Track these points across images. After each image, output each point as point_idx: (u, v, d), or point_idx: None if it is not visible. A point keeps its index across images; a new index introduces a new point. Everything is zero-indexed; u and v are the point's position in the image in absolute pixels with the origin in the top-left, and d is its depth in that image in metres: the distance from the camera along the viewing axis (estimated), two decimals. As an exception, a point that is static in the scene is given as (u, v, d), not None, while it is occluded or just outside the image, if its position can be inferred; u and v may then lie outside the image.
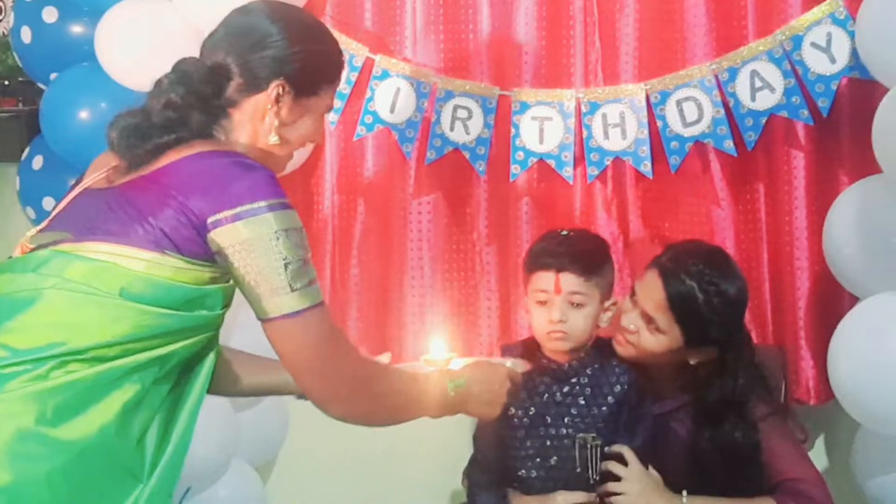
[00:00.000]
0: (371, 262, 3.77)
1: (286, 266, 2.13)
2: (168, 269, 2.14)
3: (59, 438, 2.08)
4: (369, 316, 3.77)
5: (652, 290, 2.96)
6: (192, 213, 2.13)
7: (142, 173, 2.22)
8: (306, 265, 2.17)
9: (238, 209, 2.12)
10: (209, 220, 2.13)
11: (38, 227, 2.30)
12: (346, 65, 3.34)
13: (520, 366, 2.73)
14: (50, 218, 2.31)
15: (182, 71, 2.32)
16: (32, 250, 2.23)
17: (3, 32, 4.22)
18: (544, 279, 3.01)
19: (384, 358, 2.77)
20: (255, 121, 2.34)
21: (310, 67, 2.36)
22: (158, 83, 2.32)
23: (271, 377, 2.61)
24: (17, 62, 3.97)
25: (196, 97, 2.29)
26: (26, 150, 3.87)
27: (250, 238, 2.12)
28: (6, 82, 4.20)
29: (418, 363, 2.66)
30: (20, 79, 4.10)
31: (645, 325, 2.98)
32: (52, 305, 2.13)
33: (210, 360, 2.30)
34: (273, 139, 2.34)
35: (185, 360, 2.24)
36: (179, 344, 2.20)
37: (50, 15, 3.74)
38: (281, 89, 2.32)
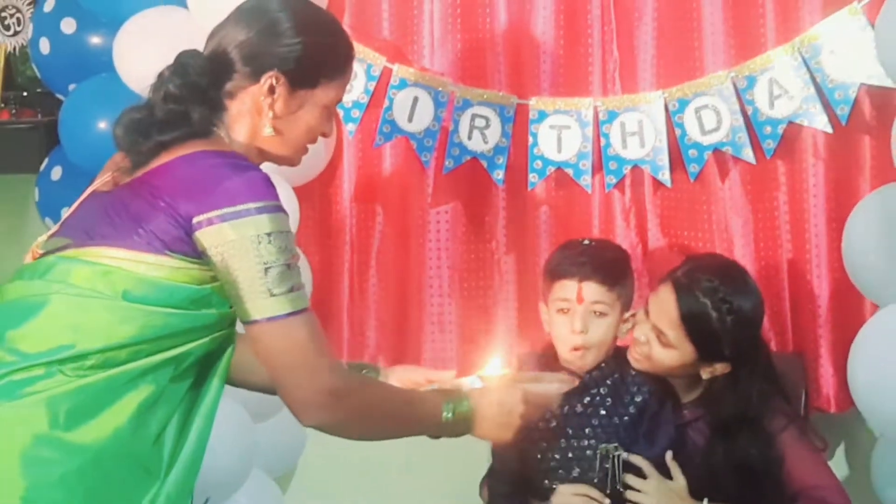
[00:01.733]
0: (389, 271, 3.77)
1: (266, 270, 2.12)
2: (167, 269, 2.15)
3: (72, 442, 2.10)
4: (388, 324, 3.78)
5: (665, 305, 2.96)
6: (179, 214, 2.13)
7: (139, 174, 2.23)
8: (290, 270, 2.15)
9: (221, 211, 2.12)
10: (194, 221, 2.13)
11: (48, 233, 2.31)
12: (361, 73, 3.38)
13: (566, 383, 2.70)
14: (59, 223, 2.33)
15: (181, 63, 2.31)
16: (42, 255, 2.25)
17: (22, 44, 4.24)
18: (567, 288, 3.01)
19: (447, 375, 2.75)
20: (253, 114, 2.32)
21: (307, 59, 2.33)
22: (160, 75, 2.32)
23: None
24: (36, 73, 4.00)
25: (193, 89, 2.28)
26: (45, 161, 3.89)
27: (232, 240, 2.12)
28: (25, 93, 4.23)
29: (473, 377, 2.62)
30: (39, 90, 4.13)
31: (656, 338, 2.97)
32: (59, 310, 2.16)
33: (227, 355, 2.31)
34: (267, 131, 2.32)
35: (201, 358, 2.25)
36: (193, 343, 2.22)
37: (68, 26, 3.76)
38: (275, 80, 2.30)
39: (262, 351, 2.19)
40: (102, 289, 2.15)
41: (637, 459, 2.89)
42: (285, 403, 2.24)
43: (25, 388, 2.11)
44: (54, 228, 2.32)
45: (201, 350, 2.24)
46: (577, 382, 2.82)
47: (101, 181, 2.33)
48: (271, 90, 2.30)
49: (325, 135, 2.44)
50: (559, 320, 3.02)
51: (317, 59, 2.35)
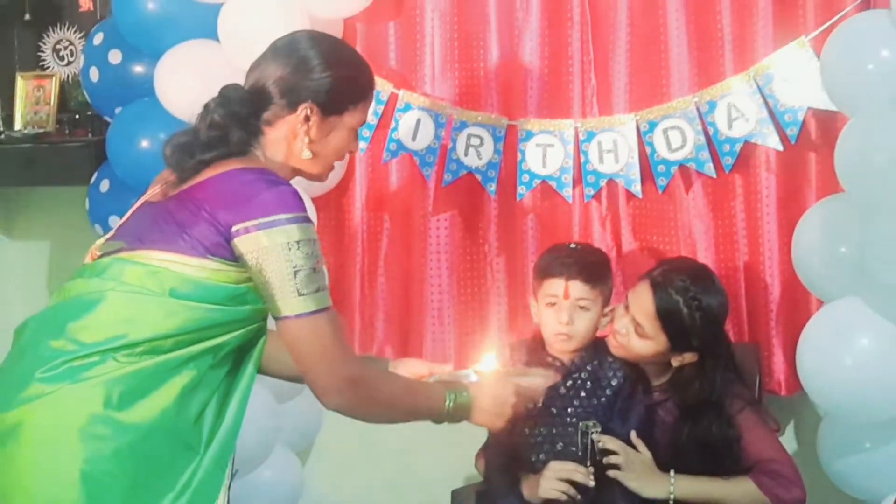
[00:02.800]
0: (396, 272, 3.78)
1: (296, 273, 2.16)
2: (209, 271, 2.18)
3: (123, 421, 2.13)
4: (394, 319, 3.78)
5: (642, 300, 2.97)
6: (219, 223, 2.17)
7: (185, 187, 2.26)
8: (316, 273, 2.19)
9: (256, 221, 2.15)
10: (233, 229, 2.16)
11: (106, 237, 2.35)
12: (374, 96, 3.38)
13: (549, 377, 2.72)
14: (115, 228, 2.37)
15: (224, 95, 2.35)
16: (99, 257, 2.28)
17: (75, 73, 4.25)
18: (555, 285, 3.03)
19: (447, 368, 2.78)
20: (289, 139, 2.35)
21: (336, 91, 2.36)
22: (206, 106, 2.35)
23: None
24: (87, 98, 4.01)
25: (235, 118, 2.31)
26: (95, 175, 3.89)
27: (265, 246, 2.15)
28: (77, 116, 4.22)
29: (468, 371, 2.64)
30: (89, 113, 4.13)
31: (634, 329, 2.98)
32: (114, 305, 2.19)
33: (259, 345, 2.34)
34: (306, 154, 2.35)
35: (237, 348, 2.27)
36: (230, 335, 2.25)
37: (115, 57, 3.77)
38: (309, 110, 2.33)
39: (290, 343, 2.22)
40: (152, 287, 2.18)
41: (608, 440, 2.90)
42: (310, 389, 2.27)
43: (83, 372, 2.14)
44: (110, 233, 2.35)
45: (237, 341, 2.26)
46: (559, 377, 2.84)
47: (152, 192, 2.36)
48: (307, 119, 2.33)
49: (352, 152, 2.49)
50: (548, 313, 3.04)
51: (344, 89, 2.38)
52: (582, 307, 3.01)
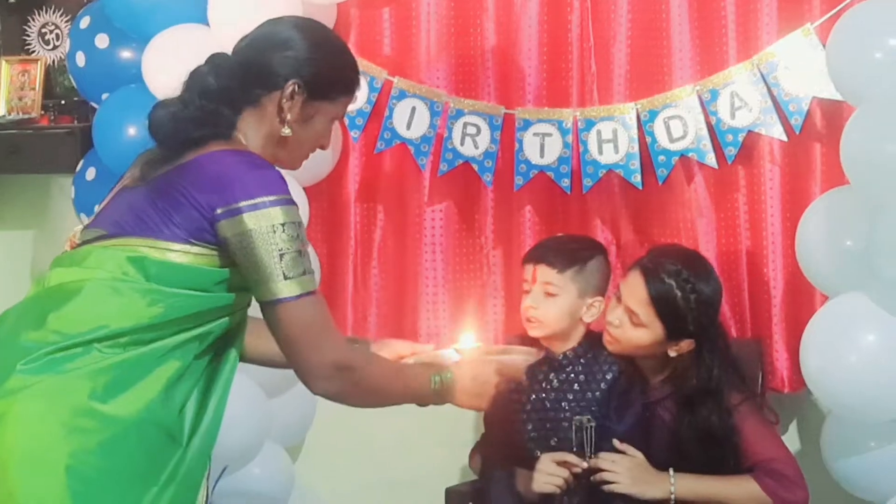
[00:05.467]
0: (389, 264, 3.78)
1: (282, 256, 2.16)
2: (192, 256, 2.18)
3: (108, 413, 2.13)
4: (388, 312, 3.78)
5: (635, 287, 2.97)
6: (202, 206, 2.17)
7: (167, 170, 2.25)
8: (301, 256, 2.19)
9: (242, 203, 2.15)
10: (217, 212, 2.16)
11: (85, 224, 2.35)
12: (365, 85, 3.38)
13: (531, 355, 2.70)
14: (93, 216, 2.36)
15: (215, 63, 2.35)
16: (79, 245, 2.29)
17: (60, 57, 4.24)
18: (527, 270, 3.09)
19: (428, 348, 2.76)
20: (271, 116, 2.34)
21: (324, 74, 2.36)
22: (195, 72, 2.35)
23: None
24: (73, 84, 4.00)
25: (224, 90, 2.31)
26: (81, 163, 3.88)
27: (251, 229, 2.15)
28: (63, 102, 4.22)
29: (449, 350, 2.64)
30: (75, 99, 4.12)
31: (628, 319, 2.98)
32: (94, 294, 2.18)
33: (242, 333, 2.35)
34: (285, 130, 2.33)
35: (220, 336, 2.27)
36: (215, 322, 2.25)
37: (102, 41, 3.76)
38: (296, 87, 2.32)
39: (275, 327, 2.22)
40: (133, 274, 2.18)
41: (598, 460, 2.89)
42: (297, 374, 2.27)
43: (67, 364, 2.13)
44: (90, 220, 2.35)
45: (221, 329, 2.26)
46: (541, 354, 2.83)
47: (131, 176, 2.35)
48: (292, 95, 2.32)
49: (323, 147, 2.47)
50: (523, 300, 3.08)
51: (331, 75, 2.38)
52: (549, 293, 3.02)
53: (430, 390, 2.41)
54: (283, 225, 2.16)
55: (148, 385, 2.17)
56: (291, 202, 2.20)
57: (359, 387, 2.30)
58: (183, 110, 2.29)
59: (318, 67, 2.35)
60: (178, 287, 2.18)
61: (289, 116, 2.33)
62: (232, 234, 2.16)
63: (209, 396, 2.27)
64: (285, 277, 2.16)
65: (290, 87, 2.32)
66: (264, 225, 2.15)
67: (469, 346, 2.65)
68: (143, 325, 2.17)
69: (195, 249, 2.18)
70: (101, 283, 2.19)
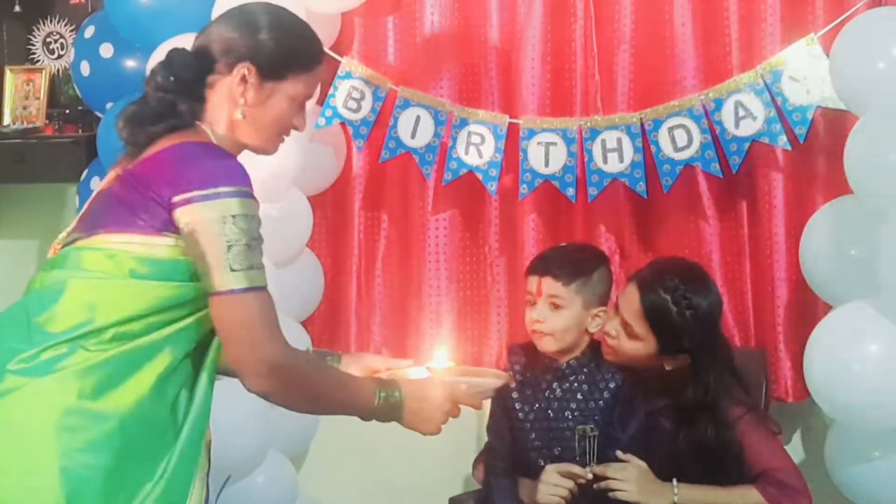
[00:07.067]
0: (393, 273, 3.81)
1: (229, 248, 2.13)
2: (165, 248, 2.18)
3: (99, 411, 2.14)
4: (392, 321, 3.81)
5: (631, 300, 2.98)
6: (162, 197, 2.16)
7: (131, 165, 2.26)
8: (250, 249, 2.16)
9: (195, 192, 2.14)
10: (172, 200, 2.15)
11: (66, 230, 2.34)
12: (368, 94, 3.38)
13: (502, 378, 2.65)
14: (74, 221, 2.36)
15: (169, 59, 2.35)
16: (60, 250, 2.30)
17: (65, 67, 4.26)
18: (531, 282, 3.06)
19: (404, 364, 2.71)
20: (229, 102, 2.33)
21: (276, 54, 2.34)
22: (152, 70, 2.35)
23: None
24: (78, 93, 4.02)
25: (180, 82, 2.31)
26: (85, 172, 3.90)
27: (201, 219, 2.13)
28: (67, 111, 4.23)
29: (422, 368, 2.62)
30: (80, 108, 4.14)
31: (623, 331, 2.99)
32: (76, 292, 2.19)
33: None
34: (237, 115, 2.32)
35: (207, 327, 2.26)
36: (201, 313, 2.24)
37: (106, 51, 3.78)
38: (246, 71, 2.31)
39: (218, 320, 2.19)
40: (111, 270, 2.19)
41: (602, 468, 2.89)
42: (233, 367, 2.23)
43: (54, 364, 2.15)
44: (70, 226, 2.35)
45: (209, 319, 2.24)
46: (512, 380, 2.81)
47: (106, 181, 2.36)
48: (243, 80, 2.31)
49: (297, 128, 2.44)
50: (527, 312, 3.07)
51: (284, 54, 2.36)
52: (555, 305, 3.02)
53: (374, 405, 2.36)
54: (234, 217, 2.14)
55: (139, 380, 2.18)
56: (247, 195, 2.18)
57: (293, 391, 2.27)
58: (143, 108, 2.31)
59: (268, 48, 2.33)
60: (156, 279, 2.18)
61: (241, 101, 2.32)
62: (184, 223, 2.15)
63: (196, 388, 2.27)
64: (231, 269, 2.14)
65: (240, 71, 2.32)
66: (214, 215, 2.13)
67: (441, 364, 2.62)
68: (127, 319, 2.17)
69: (167, 241, 2.18)
70: (80, 280, 2.20)
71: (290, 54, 2.37)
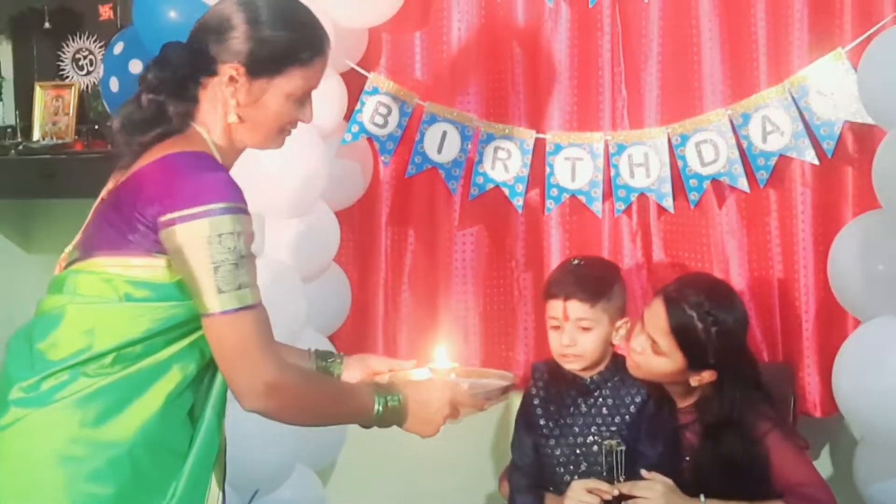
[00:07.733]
0: (420, 288, 3.81)
1: (216, 269, 2.08)
2: (159, 269, 2.14)
3: (101, 440, 2.12)
4: (419, 335, 3.80)
5: (657, 316, 2.98)
6: (146, 218, 2.12)
7: (121, 181, 2.22)
8: (238, 269, 2.10)
9: (177, 213, 2.08)
10: (159, 221, 2.11)
11: (73, 243, 2.30)
12: (395, 109, 3.39)
13: (506, 379, 2.61)
14: (79, 233, 2.32)
15: (164, 54, 2.28)
16: (64, 268, 2.27)
17: (94, 83, 4.30)
18: (555, 307, 3.05)
19: (407, 365, 2.67)
20: (220, 103, 2.26)
21: (265, 51, 2.24)
22: (146, 66, 2.29)
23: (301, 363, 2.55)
24: (107, 109, 4.05)
25: (169, 83, 2.24)
26: (114, 187, 3.92)
27: (186, 241, 2.08)
28: (96, 127, 4.27)
29: (423, 370, 2.59)
30: (108, 124, 4.17)
31: (650, 347, 2.99)
32: (74, 318, 2.17)
33: None
34: (231, 118, 2.25)
35: None
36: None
37: (136, 67, 3.79)
38: (235, 71, 2.23)
39: (211, 342, 2.16)
40: (108, 295, 2.16)
41: (630, 485, 2.85)
42: (230, 388, 2.21)
43: (55, 394, 2.13)
44: (75, 239, 2.31)
45: None
46: (516, 380, 2.76)
47: (106, 190, 2.32)
48: (232, 80, 2.24)
49: (303, 121, 2.36)
50: (552, 335, 3.06)
51: (274, 50, 2.26)
52: (584, 327, 3.02)
53: (374, 413, 2.32)
54: (220, 236, 2.08)
55: (144, 404, 2.15)
56: (234, 210, 2.11)
57: (291, 407, 2.24)
58: (136, 111, 2.25)
59: (254, 46, 2.24)
60: (154, 301, 2.15)
61: (233, 102, 2.25)
62: (171, 245, 2.10)
63: (206, 404, 2.25)
64: (220, 291, 2.09)
65: (227, 72, 2.24)
66: (199, 235, 2.08)
67: (444, 365, 2.59)
68: (126, 343, 2.14)
69: (160, 262, 2.14)
70: (78, 306, 2.17)
71: (279, 50, 2.27)
